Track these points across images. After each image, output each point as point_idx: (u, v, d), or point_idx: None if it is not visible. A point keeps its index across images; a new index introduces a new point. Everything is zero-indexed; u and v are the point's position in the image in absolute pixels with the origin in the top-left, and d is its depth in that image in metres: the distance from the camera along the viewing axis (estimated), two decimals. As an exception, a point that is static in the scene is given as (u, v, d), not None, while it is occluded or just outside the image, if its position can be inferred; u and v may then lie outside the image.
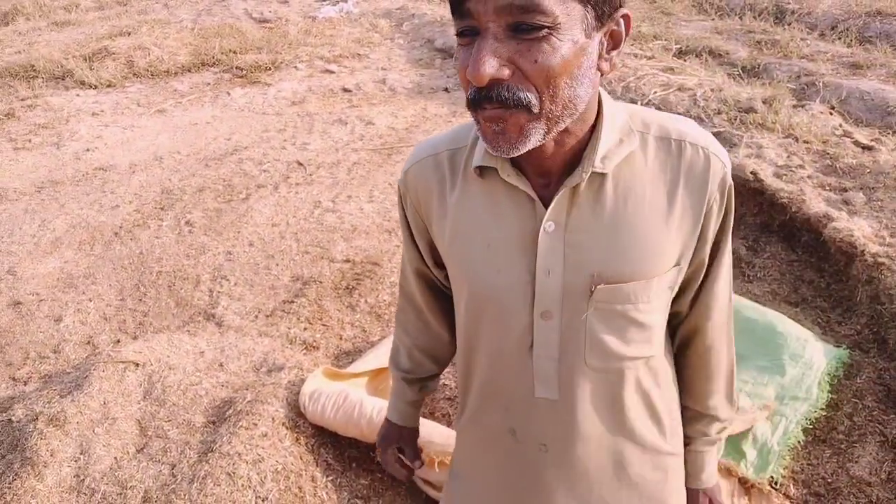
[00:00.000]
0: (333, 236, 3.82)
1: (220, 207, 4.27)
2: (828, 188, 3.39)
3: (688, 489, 1.17)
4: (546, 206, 0.92)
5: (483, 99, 0.80)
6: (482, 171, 0.96)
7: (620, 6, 0.83)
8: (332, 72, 6.69)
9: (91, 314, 3.35)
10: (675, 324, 1.09)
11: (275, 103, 6.07)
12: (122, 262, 3.77)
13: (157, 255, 3.79)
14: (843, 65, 5.64)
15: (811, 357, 2.44)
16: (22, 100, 6.51)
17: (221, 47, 7.41)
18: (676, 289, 1.00)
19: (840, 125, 3.99)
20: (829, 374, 2.45)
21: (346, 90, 6.20)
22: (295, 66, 6.90)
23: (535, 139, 0.83)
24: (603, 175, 0.91)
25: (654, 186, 0.92)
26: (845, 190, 3.35)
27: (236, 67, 6.96)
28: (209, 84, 6.69)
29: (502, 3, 0.75)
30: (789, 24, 6.87)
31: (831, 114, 4.49)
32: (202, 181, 4.64)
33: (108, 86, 6.80)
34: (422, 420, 2.16)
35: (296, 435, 2.23)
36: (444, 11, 7.68)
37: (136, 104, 6.33)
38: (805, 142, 3.79)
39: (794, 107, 4.47)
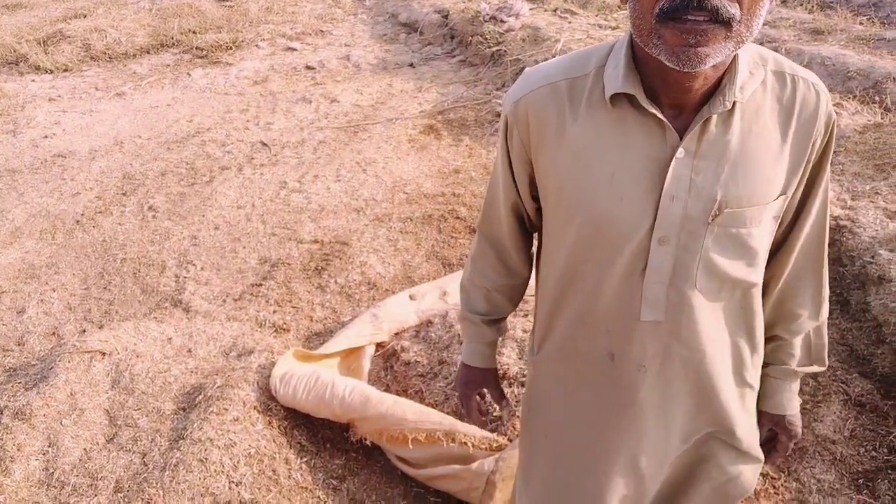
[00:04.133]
0: (301, 217, 3.78)
1: (183, 191, 4.19)
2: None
3: (759, 411, 1.23)
4: (678, 134, 0.95)
5: (692, 7, 0.80)
6: (614, 99, 0.97)
7: None
8: (294, 49, 6.57)
9: (55, 304, 3.29)
10: (773, 250, 1.12)
11: (237, 83, 5.96)
12: (84, 251, 3.70)
13: (121, 242, 3.72)
14: (805, 31, 5.69)
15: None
16: (-26, 86, 6.31)
17: (181, 27, 7.24)
18: (780, 217, 1.05)
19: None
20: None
21: (309, 68, 6.11)
22: (256, 45, 6.78)
23: (720, 57, 0.85)
24: (734, 105, 0.95)
25: (772, 117, 0.98)
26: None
27: (196, 48, 6.81)
28: (169, 66, 6.55)
29: None
30: (751, -9, 6.90)
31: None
32: (164, 165, 4.55)
33: (65, 70, 6.61)
34: (394, 397, 2.17)
35: (268, 418, 2.22)
36: (407, -15, 7.58)
37: (94, 88, 6.17)
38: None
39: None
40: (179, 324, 2.93)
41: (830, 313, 2.76)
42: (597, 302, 1.08)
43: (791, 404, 1.24)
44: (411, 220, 3.67)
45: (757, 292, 1.09)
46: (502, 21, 5.48)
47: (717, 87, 0.95)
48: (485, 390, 1.40)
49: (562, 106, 1.03)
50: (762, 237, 1.03)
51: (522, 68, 5.04)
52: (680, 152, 0.95)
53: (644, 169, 0.97)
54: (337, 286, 3.17)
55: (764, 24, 6.05)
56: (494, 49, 5.45)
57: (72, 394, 2.34)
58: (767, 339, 1.22)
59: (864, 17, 5.84)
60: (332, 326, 2.89)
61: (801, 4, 6.38)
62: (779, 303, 1.19)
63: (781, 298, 1.18)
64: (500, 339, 1.40)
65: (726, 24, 0.82)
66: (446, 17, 6.26)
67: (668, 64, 0.87)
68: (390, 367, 2.57)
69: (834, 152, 3.41)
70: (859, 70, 4.74)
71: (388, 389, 2.49)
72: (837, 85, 4.73)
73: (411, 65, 5.88)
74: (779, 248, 1.13)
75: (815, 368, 1.24)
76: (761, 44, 5.52)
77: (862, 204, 2.95)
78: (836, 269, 2.86)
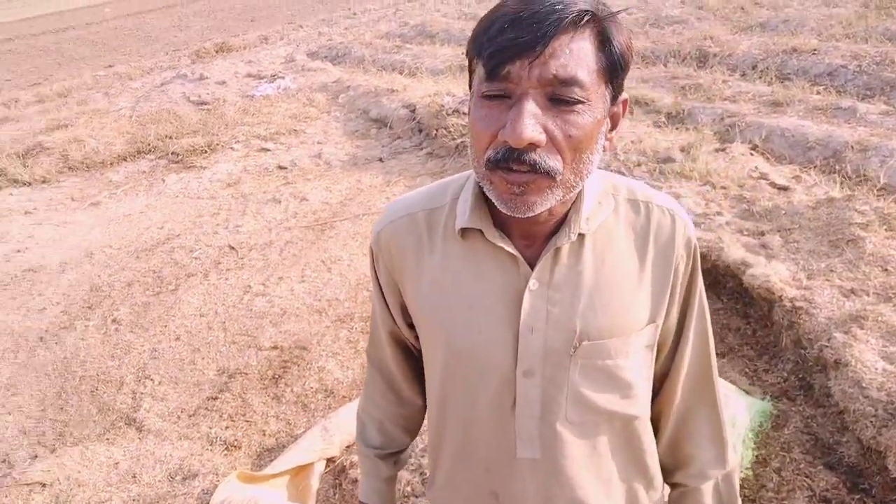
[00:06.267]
0: (262, 322, 3.75)
1: (148, 301, 4.17)
2: (746, 233, 3.43)
3: None
4: (530, 265, 0.95)
5: (512, 160, 0.81)
6: (464, 232, 0.98)
7: (622, 91, 0.89)
8: (268, 150, 6.69)
9: (9, 429, 3.21)
10: (656, 387, 1.09)
11: (209, 186, 6.03)
12: (45, 369, 3.64)
13: (82, 359, 3.67)
14: (764, 103, 5.80)
15: (734, 414, 2.41)
16: (-47, 203, 6.39)
17: (157, 133, 7.39)
18: (655, 348, 1.02)
19: (756, 168, 4.07)
20: (753, 430, 2.42)
21: (281, 167, 6.19)
22: (231, 147, 6.90)
23: (549, 204, 0.86)
24: (582, 235, 0.95)
25: (626, 245, 0.98)
26: (763, 234, 3.39)
27: (172, 153, 6.93)
28: (144, 172, 6.65)
29: (548, 75, 0.79)
30: (712, 67, 7.07)
31: (752, 154, 4.58)
32: (132, 275, 4.54)
33: (43, 182, 6.71)
34: None
35: (204, 550, 2.12)
36: (378, 82, 7.78)
37: (69, 199, 6.24)
38: (722, 187, 3.84)
39: (717, 150, 4.55)
40: (130, 445, 2.85)
41: (794, 399, 2.70)
42: (472, 438, 1.04)
43: None
44: (373, 319, 3.63)
45: (641, 424, 1.05)
46: (465, 113, 5.59)
47: (566, 218, 0.95)
48: None
49: (419, 236, 1.03)
50: (634, 368, 1.00)
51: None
52: (533, 283, 0.94)
53: (500, 301, 0.96)
54: (293, 395, 3.11)
55: (723, 100, 6.18)
56: (458, 141, 5.55)
57: (5, 533, 2.25)
58: (671, 486, 1.16)
59: (821, 87, 5.96)
60: (284, 441, 2.82)
61: (760, 77, 6.53)
62: (674, 445, 1.13)
63: (676, 439, 1.13)
64: (398, 472, 1.33)
65: (548, 175, 0.83)
66: (413, 111, 6.40)
67: (499, 208, 0.88)
68: (339, 485, 2.48)
69: (788, 229, 3.44)
70: (818, 140, 4.81)
71: (336, 509, 2.40)
72: (798, 156, 4.79)
73: (380, 159, 5.97)
74: (663, 381, 1.10)
75: None
76: (721, 119, 5.63)
77: (817, 283, 2.92)
78: (797, 353, 2.81)
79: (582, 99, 0.81)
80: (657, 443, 1.12)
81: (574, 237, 0.94)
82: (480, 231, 0.96)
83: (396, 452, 1.29)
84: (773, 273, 3.02)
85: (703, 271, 3.35)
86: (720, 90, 6.19)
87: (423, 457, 2.40)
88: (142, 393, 3.29)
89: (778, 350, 2.91)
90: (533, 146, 0.80)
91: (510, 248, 0.95)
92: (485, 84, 0.82)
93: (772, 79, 6.38)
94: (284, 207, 5.32)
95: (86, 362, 3.63)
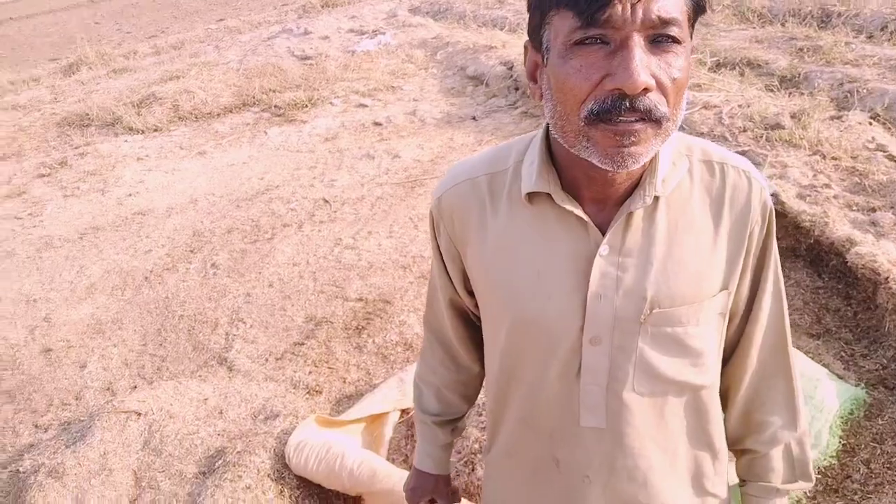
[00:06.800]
0: (350, 274, 3.84)
1: (245, 248, 4.35)
2: (855, 208, 3.21)
3: None
4: (601, 230, 0.92)
5: (623, 109, 0.77)
6: (531, 196, 0.95)
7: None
8: (365, 106, 6.77)
9: (114, 360, 3.46)
10: (727, 354, 1.06)
11: (308, 140, 6.18)
12: (148, 307, 3.88)
13: (182, 299, 3.88)
14: (891, 68, 5.36)
15: (822, 399, 2.29)
16: (75, 148, 6.83)
17: (262, 87, 7.61)
18: (727, 314, 0.99)
19: (873, 138, 3.78)
20: (843, 418, 2.30)
21: (377, 124, 6.26)
22: (331, 102, 7.02)
23: (652, 154, 0.83)
24: (657, 198, 0.91)
25: (701, 209, 0.94)
26: (874, 210, 3.16)
27: (275, 106, 7.13)
28: (248, 124, 6.87)
29: (651, 16, 0.75)
30: (835, 28, 6.58)
31: (871, 123, 4.27)
32: (232, 222, 4.74)
33: (155, 130, 7.06)
34: (402, 472, 2.13)
35: (280, 487, 2.23)
36: (478, 38, 7.70)
37: (179, 147, 6.55)
38: (833, 158, 3.60)
39: (832, 118, 4.26)
40: (220, 383, 3.01)
41: (892, 388, 2.54)
42: (536, 404, 1.03)
43: None
44: (457, 278, 3.66)
45: (708, 394, 1.01)
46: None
47: (639, 180, 0.91)
48: (436, 498, 1.33)
49: (482, 201, 1.01)
50: (705, 336, 0.96)
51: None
52: (603, 249, 0.91)
53: (569, 266, 0.94)
54: (374, 346, 3.18)
55: (845, 64, 5.75)
56: (555, 101, 5.42)
57: (104, 454, 2.44)
58: (740, 453, 1.13)
59: (959, 52, 5.45)
60: (363, 389, 2.90)
61: (889, 39, 6.03)
62: (745, 411, 1.09)
63: (747, 406, 1.09)
64: (454, 440, 1.34)
65: (657, 122, 0.79)
66: (511, 68, 6.30)
67: (600, 166, 0.83)
68: (411, 437, 2.53)
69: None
70: (948, 111, 4.42)
71: (407, 459, 2.46)
72: (926, 127, 4.42)
73: (474, 118, 5.94)
74: (734, 349, 1.06)
75: (801, 485, 1.12)
76: (840, 85, 5.25)
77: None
78: None
79: (680, 39, 0.78)
80: (727, 411, 1.10)
81: (649, 200, 0.90)
82: (548, 195, 0.94)
83: (454, 419, 1.29)
84: (881, 252, 2.82)
85: (808, 247, 3.19)
86: (842, 53, 5.76)
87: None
88: (234, 335, 3.46)
89: (879, 335, 2.74)
90: (645, 91, 0.77)
91: (580, 212, 0.92)
92: (578, 32, 0.77)
93: (903, 41, 5.89)
94: (378, 163, 5.39)
95: (185, 303, 3.84)
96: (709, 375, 0.99)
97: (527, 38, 0.91)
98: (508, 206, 0.98)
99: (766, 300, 1.02)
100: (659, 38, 0.77)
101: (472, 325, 1.20)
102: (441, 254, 1.11)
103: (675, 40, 0.78)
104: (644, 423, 0.97)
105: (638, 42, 0.76)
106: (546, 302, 0.95)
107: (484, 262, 1.01)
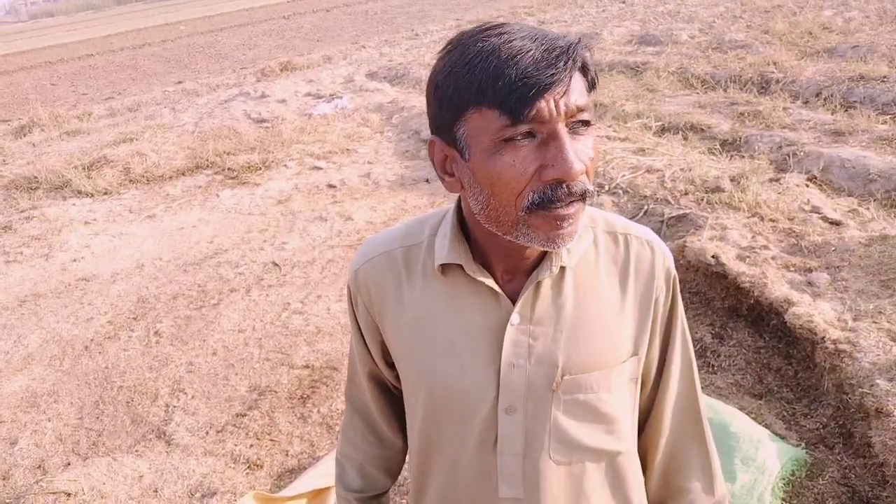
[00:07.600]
0: (297, 340, 3.78)
1: (190, 314, 4.26)
2: (792, 269, 3.29)
3: None
4: (511, 300, 0.94)
5: (564, 195, 0.81)
6: (444, 268, 0.97)
7: None
8: (320, 168, 6.79)
9: (47, 435, 3.31)
10: (642, 421, 1.08)
11: (261, 203, 6.15)
12: (87, 378, 3.75)
13: (122, 369, 3.76)
14: (826, 132, 5.59)
15: (764, 461, 2.30)
16: (21, 212, 6.68)
17: (216, 149, 7.59)
18: (639, 380, 1.02)
19: (808, 200, 3.91)
20: (784, 479, 2.30)
21: (330, 186, 6.28)
22: (285, 165, 7.03)
23: (582, 228, 0.89)
24: (564, 268, 0.95)
25: (607, 277, 0.97)
26: (810, 270, 3.24)
27: (228, 168, 7.10)
28: (200, 187, 6.83)
29: (571, 107, 0.80)
30: (773, 94, 6.86)
31: (808, 185, 4.41)
32: (177, 288, 4.66)
33: (105, 193, 6.96)
34: None
35: (211, 571, 2.13)
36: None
37: (128, 211, 6.46)
38: (771, 220, 3.70)
39: (770, 180, 4.40)
40: (157, 458, 2.90)
41: (832, 447, 2.56)
42: (457, 477, 1.02)
43: None
44: (405, 343, 3.62)
45: (626, 460, 1.02)
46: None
47: (546, 252, 0.94)
48: None
49: (398, 274, 1.02)
50: (618, 402, 0.98)
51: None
52: (514, 318, 0.93)
53: (482, 337, 0.95)
54: (319, 416, 3.11)
55: (783, 128, 5.98)
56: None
57: (26, 540, 2.31)
58: None
59: (888, 116, 5.71)
60: (306, 462, 2.82)
61: (824, 105, 6.30)
62: (664, 476, 1.11)
63: (665, 470, 1.10)
64: None
65: (584, 199, 0.84)
66: (463, 133, 6.40)
67: (540, 248, 0.87)
68: (351, 511, 2.45)
69: (837, 267, 3.28)
70: (880, 172, 4.59)
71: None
72: (858, 188, 4.58)
73: (427, 180, 5.99)
74: (648, 414, 1.08)
75: None
76: (779, 148, 5.44)
77: (864, 325, 2.77)
78: (839, 398, 2.67)
79: (591, 121, 0.83)
80: (646, 476, 1.10)
81: (556, 270, 0.93)
82: (460, 267, 0.95)
83: (378, 495, 1.26)
84: (817, 312, 2.88)
85: (747, 307, 3.25)
86: (780, 117, 6.00)
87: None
88: (174, 406, 3.35)
89: (818, 394, 2.77)
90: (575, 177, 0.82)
91: (491, 283, 0.94)
92: (507, 130, 0.79)
93: (836, 107, 6.15)
94: (330, 225, 5.38)
95: (125, 373, 3.72)
96: (624, 442, 1.01)
97: (431, 134, 0.92)
98: (423, 279, 1.00)
99: (675, 365, 1.05)
100: (575, 124, 0.82)
101: (393, 399, 1.19)
102: (360, 327, 1.10)
103: (588, 123, 0.83)
104: (562, 491, 0.98)
105: (563, 132, 0.80)
106: (461, 373, 0.96)
107: (401, 333, 1.02)
